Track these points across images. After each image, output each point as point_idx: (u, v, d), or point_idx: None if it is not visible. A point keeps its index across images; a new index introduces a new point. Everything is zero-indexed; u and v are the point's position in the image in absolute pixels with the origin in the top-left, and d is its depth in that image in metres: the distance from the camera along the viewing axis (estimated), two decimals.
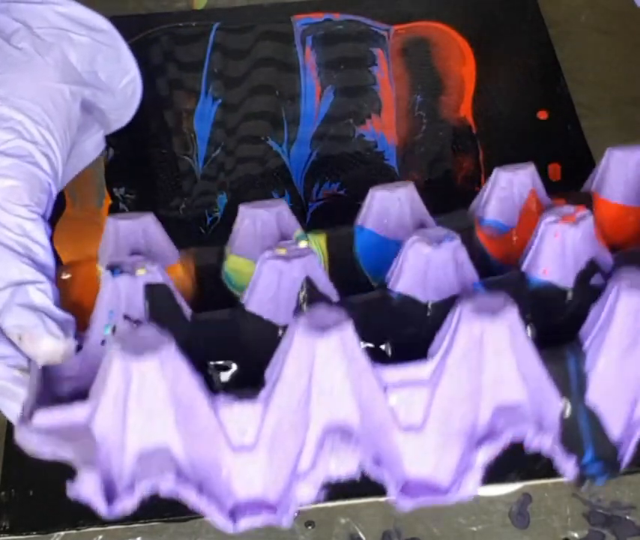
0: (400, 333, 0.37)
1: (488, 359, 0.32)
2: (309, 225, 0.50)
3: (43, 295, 0.36)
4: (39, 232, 0.37)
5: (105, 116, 0.46)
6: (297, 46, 0.59)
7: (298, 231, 0.40)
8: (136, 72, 0.45)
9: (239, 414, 0.33)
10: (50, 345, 0.35)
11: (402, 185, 0.41)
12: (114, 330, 0.36)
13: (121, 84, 0.45)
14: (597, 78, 0.57)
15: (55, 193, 0.40)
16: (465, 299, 0.33)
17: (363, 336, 0.33)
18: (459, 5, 0.60)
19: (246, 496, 0.34)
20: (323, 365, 0.32)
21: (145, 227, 0.40)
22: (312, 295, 0.37)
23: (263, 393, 0.34)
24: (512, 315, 0.32)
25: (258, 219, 0.40)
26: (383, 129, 0.55)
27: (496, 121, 0.55)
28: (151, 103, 0.56)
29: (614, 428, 0.35)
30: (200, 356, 0.35)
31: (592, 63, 0.58)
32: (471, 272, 0.38)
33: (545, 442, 0.32)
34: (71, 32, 0.42)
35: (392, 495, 0.33)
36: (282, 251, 0.37)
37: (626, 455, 0.35)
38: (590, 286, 0.38)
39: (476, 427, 0.33)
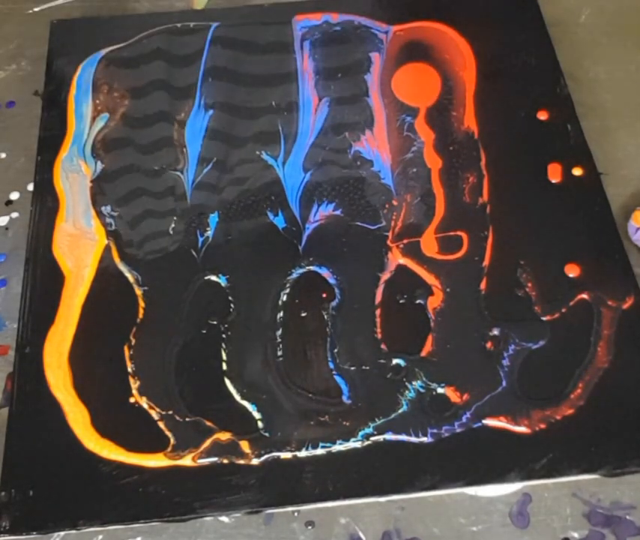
0: None
1: None
2: (305, 248, 0.49)
3: None
4: None
5: None
6: (296, 53, 0.57)
7: None
8: None
9: None
10: None
11: None
12: None
13: None
14: (597, 78, 0.57)
15: None
16: None
17: None
18: (459, 5, 0.60)
19: None
20: None
21: None
22: None
23: None
24: None
25: None
26: (377, 147, 0.53)
27: (496, 122, 0.54)
28: (143, 111, 0.55)
29: None
30: None
31: (592, 63, 0.58)
32: None
33: None
34: None
35: None
36: None
37: None
38: None
39: None
